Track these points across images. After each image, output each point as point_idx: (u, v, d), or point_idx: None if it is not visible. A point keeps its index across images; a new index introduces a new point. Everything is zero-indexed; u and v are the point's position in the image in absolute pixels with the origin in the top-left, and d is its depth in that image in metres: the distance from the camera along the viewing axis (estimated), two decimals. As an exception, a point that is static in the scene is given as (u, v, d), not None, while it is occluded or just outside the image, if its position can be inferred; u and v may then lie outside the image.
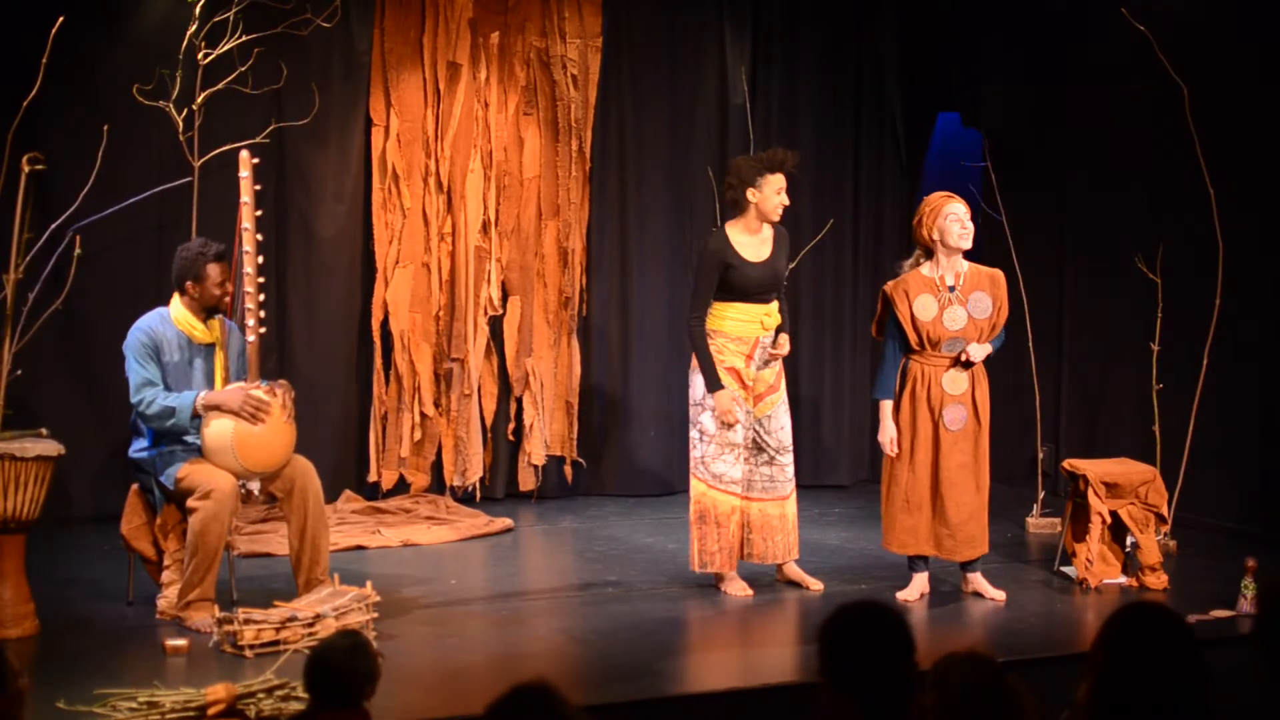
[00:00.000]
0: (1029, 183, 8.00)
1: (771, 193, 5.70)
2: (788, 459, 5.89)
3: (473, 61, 7.70)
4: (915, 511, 5.66)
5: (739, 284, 5.70)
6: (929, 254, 5.70)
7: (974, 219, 5.74)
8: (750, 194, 5.71)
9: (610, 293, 8.09)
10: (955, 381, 5.63)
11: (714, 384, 5.69)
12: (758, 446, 5.83)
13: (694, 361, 5.78)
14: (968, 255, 5.74)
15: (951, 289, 5.64)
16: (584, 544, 6.89)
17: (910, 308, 5.62)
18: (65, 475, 6.27)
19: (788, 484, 5.89)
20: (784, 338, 5.85)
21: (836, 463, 8.52)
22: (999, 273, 5.79)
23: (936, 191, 5.82)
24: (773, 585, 5.96)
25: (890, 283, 5.74)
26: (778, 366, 5.88)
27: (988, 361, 5.74)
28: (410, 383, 7.64)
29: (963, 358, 5.60)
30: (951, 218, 5.60)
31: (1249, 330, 6.88)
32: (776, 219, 5.77)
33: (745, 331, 5.74)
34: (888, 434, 5.68)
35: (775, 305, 5.83)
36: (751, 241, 5.75)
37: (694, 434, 5.78)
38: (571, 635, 5.25)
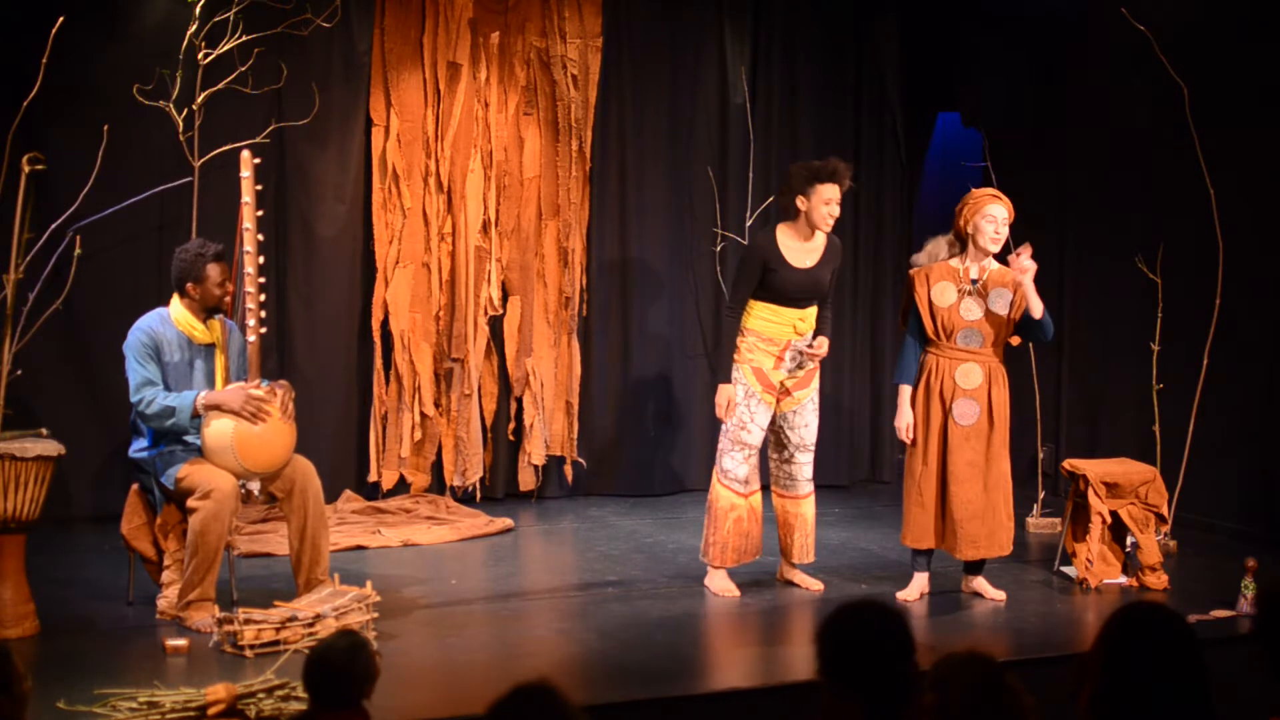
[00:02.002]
0: (1029, 183, 8.00)
1: (819, 202, 5.65)
2: (806, 458, 5.89)
3: (473, 61, 7.69)
4: (928, 505, 5.66)
5: (776, 286, 5.70)
6: (962, 246, 5.71)
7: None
8: (800, 202, 5.69)
9: (610, 293, 8.08)
10: (968, 375, 5.62)
11: (726, 376, 5.76)
12: (780, 443, 5.86)
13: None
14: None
15: (974, 282, 5.64)
16: (584, 544, 6.89)
17: (929, 292, 5.64)
18: (65, 475, 6.27)
19: (806, 484, 5.90)
20: (822, 340, 5.82)
21: (836, 463, 8.51)
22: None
23: (988, 188, 5.79)
24: (773, 585, 5.97)
25: (915, 269, 5.77)
26: (811, 365, 5.87)
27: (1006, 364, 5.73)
28: (410, 383, 7.63)
29: (1016, 253, 5.52)
30: (989, 218, 5.60)
31: (1249, 330, 6.89)
32: (825, 229, 5.73)
33: (776, 333, 5.74)
34: (904, 420, 5.68)
35: (812, 311, 5.82)
36: (799, 247, 5.73)
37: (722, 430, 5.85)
38: (571, 635, 5.26)
